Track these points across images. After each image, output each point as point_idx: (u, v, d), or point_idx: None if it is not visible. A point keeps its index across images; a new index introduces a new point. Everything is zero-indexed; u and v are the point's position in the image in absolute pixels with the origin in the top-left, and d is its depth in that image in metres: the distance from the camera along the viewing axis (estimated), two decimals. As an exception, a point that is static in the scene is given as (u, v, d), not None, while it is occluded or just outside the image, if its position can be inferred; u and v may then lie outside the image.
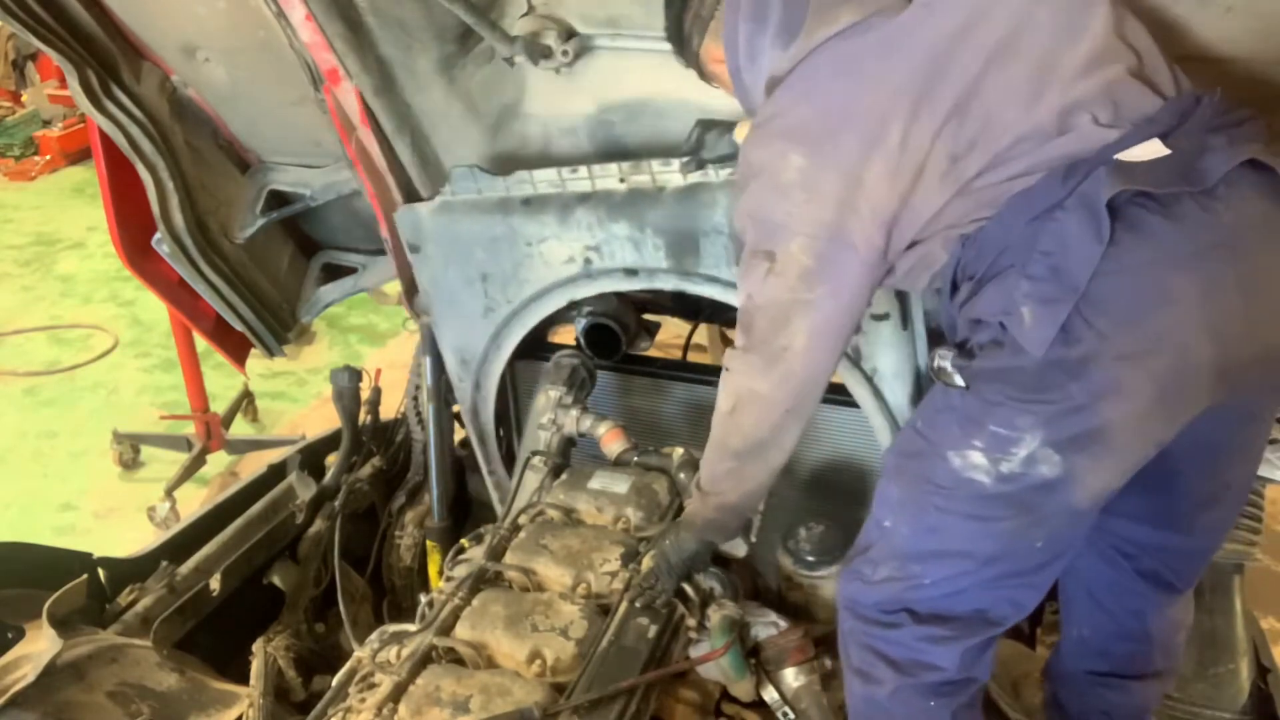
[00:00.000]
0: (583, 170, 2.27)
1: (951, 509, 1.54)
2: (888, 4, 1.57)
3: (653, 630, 1.79)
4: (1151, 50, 1.52)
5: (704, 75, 1.87)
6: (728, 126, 2.07)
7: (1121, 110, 1.45)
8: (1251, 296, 1.40)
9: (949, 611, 1.60)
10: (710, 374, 2.58)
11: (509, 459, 2.81)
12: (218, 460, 4.40)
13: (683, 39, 1.82)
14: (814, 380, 1.67)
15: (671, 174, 2.20)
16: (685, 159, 2.16)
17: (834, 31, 1.57)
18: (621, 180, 2.25)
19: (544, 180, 2.32)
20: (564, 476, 2.31)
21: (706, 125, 2.14)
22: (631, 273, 2.35)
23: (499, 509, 2.78)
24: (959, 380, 1.54)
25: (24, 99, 8.82)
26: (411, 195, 2.44)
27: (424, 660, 1.75)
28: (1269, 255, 1.42)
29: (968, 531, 1.55)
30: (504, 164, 2.41)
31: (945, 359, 1.56)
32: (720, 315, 3.19)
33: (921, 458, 1.59)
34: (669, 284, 2.32)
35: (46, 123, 8.43)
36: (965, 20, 1.51)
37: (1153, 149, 1.40)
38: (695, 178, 2.17)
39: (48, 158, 8.15)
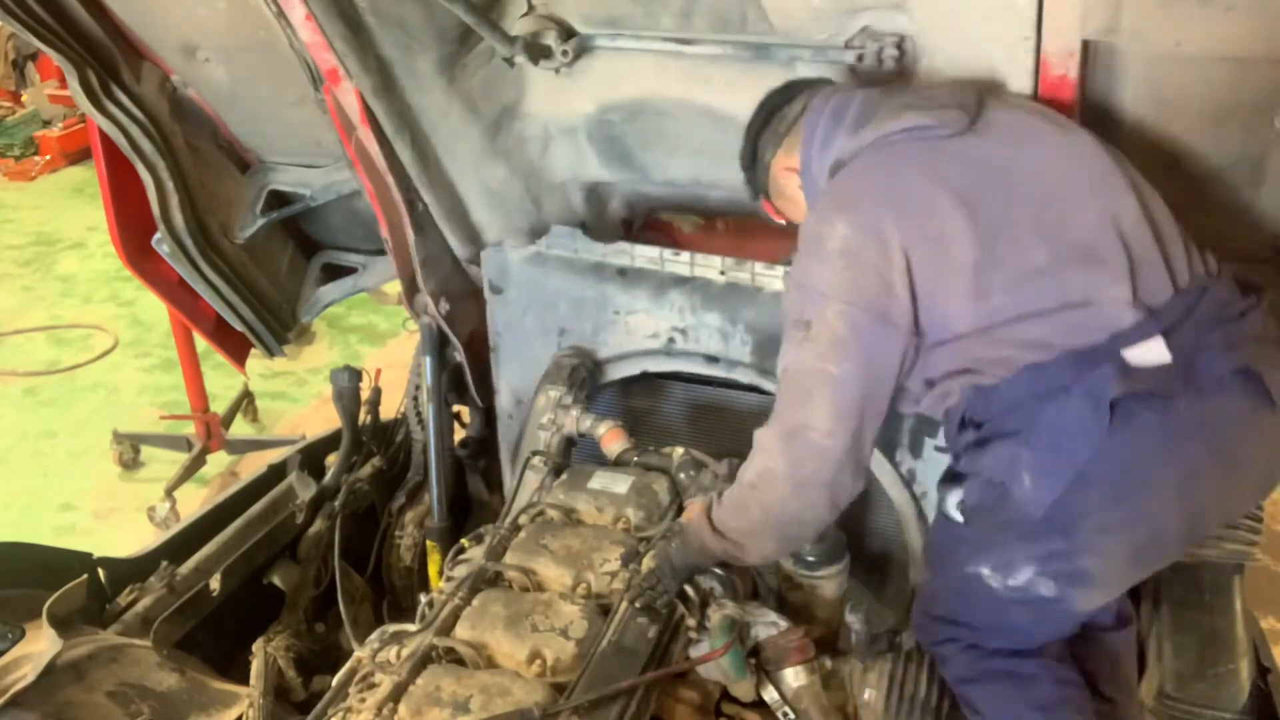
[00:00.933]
0: (685, 255, 2.39)
1: (978, 597, 1.75)
2: (953, 120, 1.68)
3: (653, 630, 1.79)
4: (1173, 232, 1.66)
5: (768, 190, 1.99)
6: None
7: (1139, 293, 1.58)
8: (1226, 484, 1.63)
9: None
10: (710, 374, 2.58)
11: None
12: (218, 460, 4.40)
13: (755, 156, 1.95)
14: (834, 463, 1.67)
15: (773, 278, 2.29)
16: (789, 270, 2.24)
17: (901, 127, 1.69)
18: (722, 273, 2.35)
19: (643, 256, 2.42)
20: (564, 476, 2.31)
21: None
22: (713, 359, 2.42)
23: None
24: (959, 518, 1.74)
25: (24, 99, 8.80)
26: (411, 195, 2.44)
27: (424, 660, 1.75)
28: (1247, 447, 1.61)
29: (995, 610, 1.76)
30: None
31: (949, 502, 1.75)
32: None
33: (947, 561, 1.83)
34: (747, 377, 2.38)
35: (46, 123, 8.42)
36: (1013, 161, 1.65)
37: (1157, 352, 1.55)
38: None
39: (48, 158, 8.14)
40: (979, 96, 1.74)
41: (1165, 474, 1.57)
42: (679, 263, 2.39)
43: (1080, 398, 1.54)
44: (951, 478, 1.79)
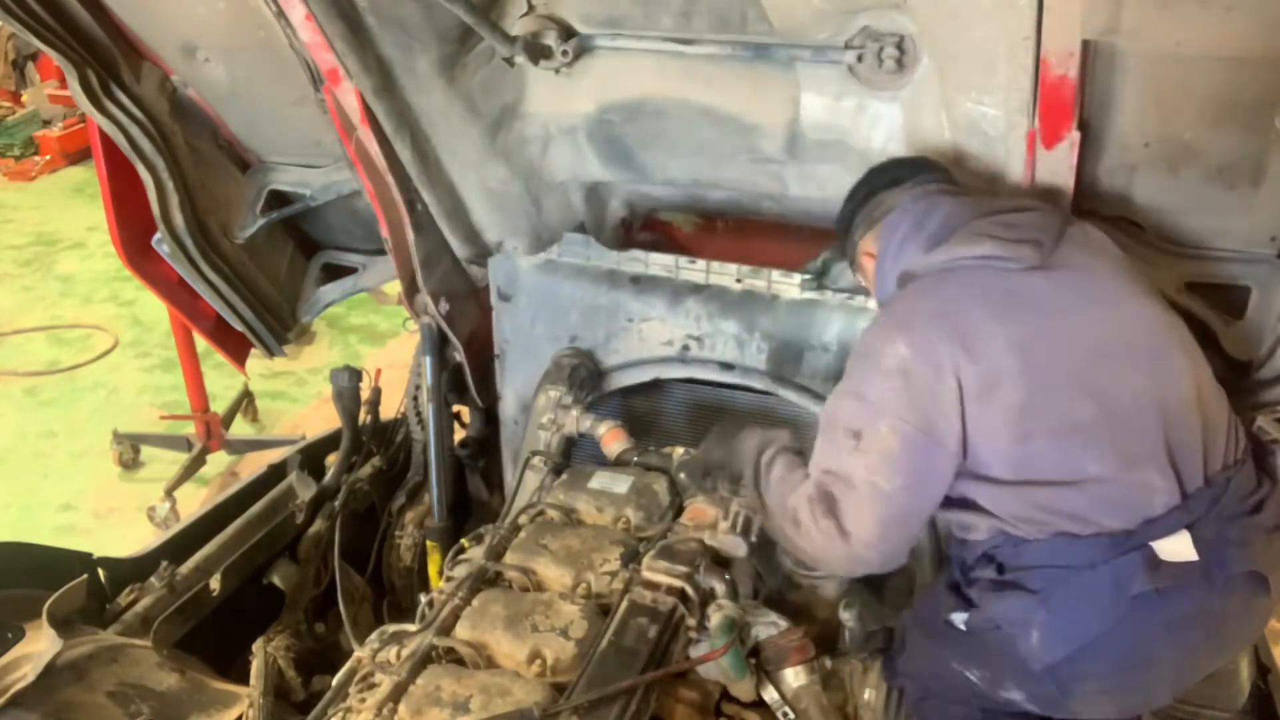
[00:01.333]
0: (700, 263, 2.40)
1: (959, 688, 1.87)
2: (1026, 256, 1.70)
3: (653, 630, 1.79)
4: (1218, 417, 1.72)
5: (852, 260, 2.07)
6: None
7: (1173, 479, 1.64)
8: (1217, 660, 1.79)
9: None
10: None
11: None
12: (218, 460, 4.41)
13: (850, 228, 2.01)
14: (864, 566, 1.76)
15: (789, 285, 2.31)
16: (807, 278, 2.30)
17: (972, 254, 1.72)
18: (738, 280, 2.37)
19: (658, 264, 2.45)
20: (564, 476, 2.31)
21: (835, 257, 2.32)
22: (728, 367, 2.43)
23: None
24: (961, 628, 1.80)
25: (24, 99, 8.81)
26: (411, 195, 2.44)
27: (424, 660, 1.75)
28: (1241, 631, 1.75)
29: (973, 694, 1.87)
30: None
31: (954, 616, 1.81)
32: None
33: (936, 650, 1.89)
34: (761, 384, 2.39)
35: (46, 123, 8.43)
36: (1075, 310, 1.69)
37: (1183, 547, 1.62)
38: (812, 295, 2.29)
39: (48, 158, 8.14)
40: (1061, 228, 1.77)
41: (1166, 655, 1.68)
42: (694, 270, 2.41)
43: (1105, 579, 1.63)
44: (958, 593, 1.84)
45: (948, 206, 1.82)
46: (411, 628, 1.85)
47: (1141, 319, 1.72)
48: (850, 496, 1.68)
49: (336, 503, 2.73)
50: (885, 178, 1.97)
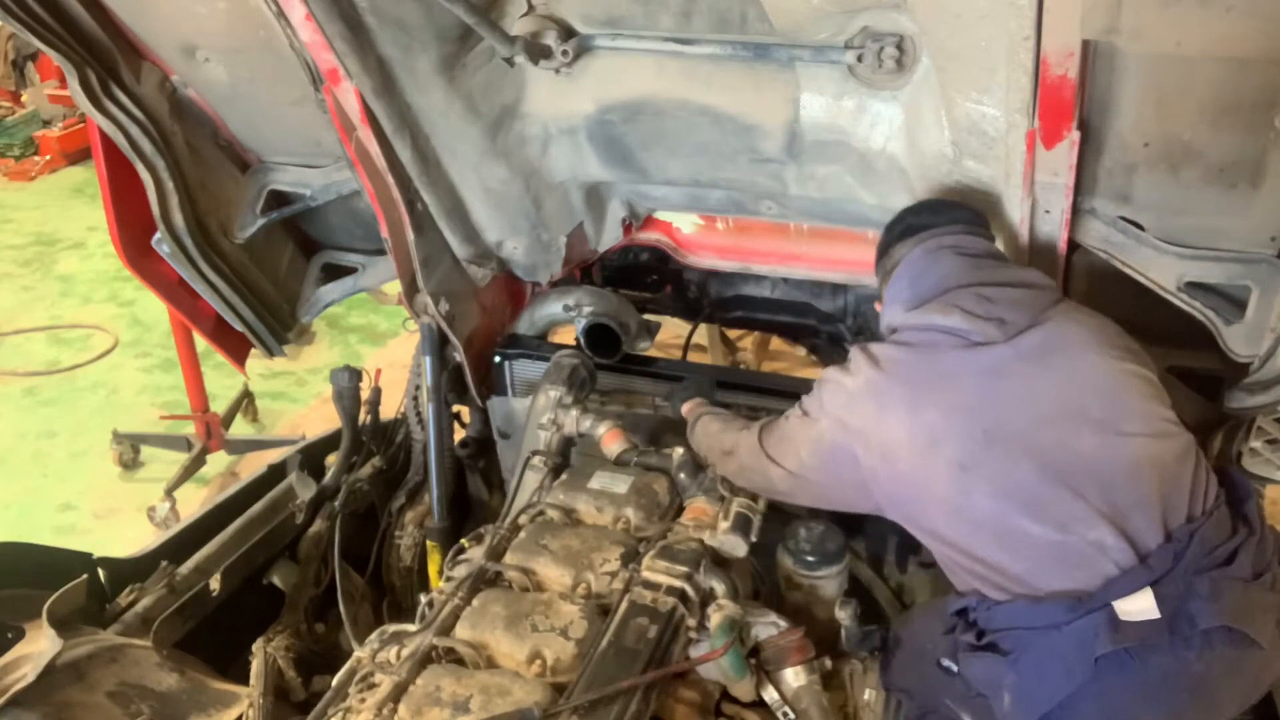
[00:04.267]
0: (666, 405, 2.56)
1: None
2: (990, 333, 1.79)
3: (653, 630, 1.79)
4: (1183, 474, 1.71)
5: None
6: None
7: (1126, 538, 1.64)
8: (1212, 715, 1.69)
9: None
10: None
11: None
12: (218, 460, 4.40)
13: (877, 267, 2.11)
14: (769, 492, 2.08)
15: None
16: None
17: (940, 325, 1.83)
18: None
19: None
20: (564, 476, 2.31)
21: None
22: None
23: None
24: (954, 668, 1.85)
25: (24, 99, 8.80)
26: (411, 195, 2.44)
27: (424, 660, 1.75)
28: (1231, 690, 1.68)
29: None
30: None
31: (950, 665, 1.85)
32: (719, 316, 3.20)
33: (930, 686, 1.95)
34: None
35: (46, 123, 8.42)
36: (1032, 379, 1.75)
37: (1146, 606, 1.61)
38: None
39: (48, 158, 8.13)
40: (1045, 307, 1.83)
41: (1149, 717, 1.65)
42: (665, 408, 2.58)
43: (1069, 641, 1.63)
44: (951, 634, 1.86)
45: (946, 267, 1.91)
46: (411, 628, 1.85)
47: (1102, 384, 1.75)
48: (790, 443, 1.96)
49: (336, 503, 2.72)
50: (900, 227, 2.05)
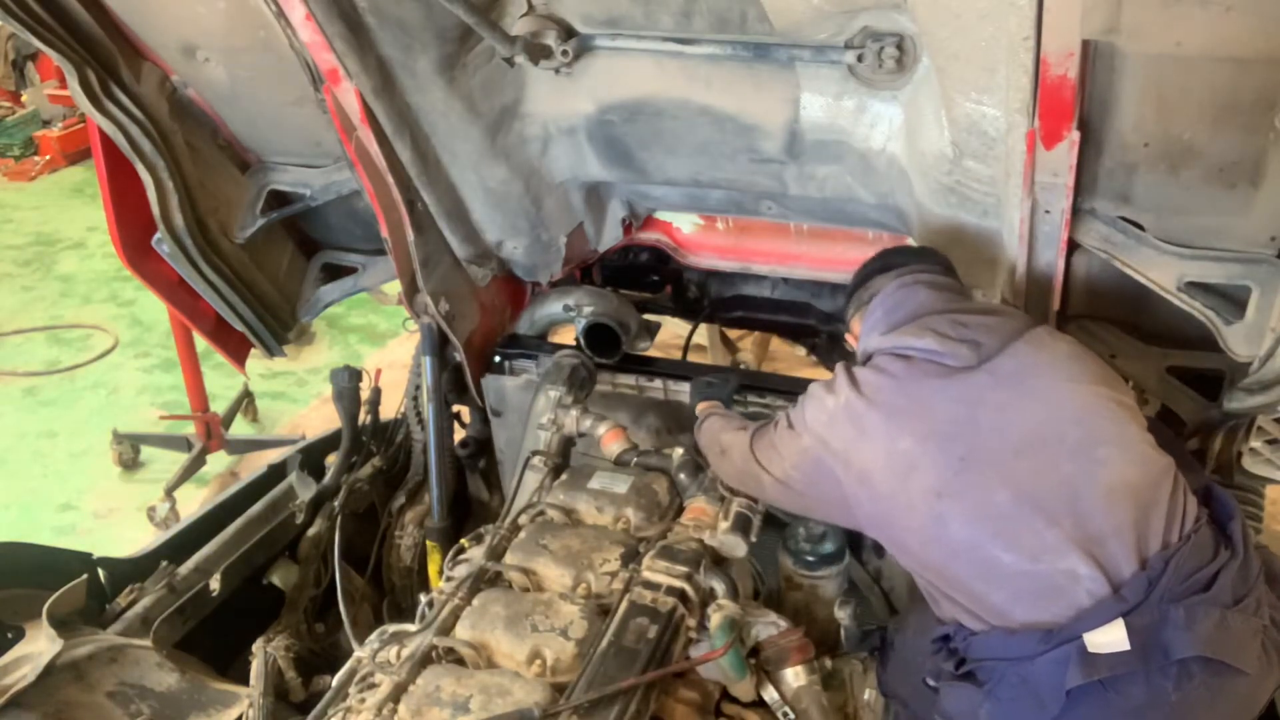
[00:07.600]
0: (658, 381, 2.68)
1: None
2: (963, 356, 1.80)
3: (653, 630, 1.79)
4: (1160, 500, 1.68)
5: (844, 335, 2.20)
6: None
7: (1099, 567, 1.62)
8: None
9: None
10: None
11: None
12: (218, 460, 4.40)
13: (849, 301, 2.13)
14: (769, 502, 2.10)
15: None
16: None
17: (914, 346, 1.84)
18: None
19: (624, 383, 2.71)
20: (564, 476, 2.31)
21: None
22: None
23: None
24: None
25: (24, 99, 8.80)
26: (411, 195, 2.44)
27: (424, 660, 1.75)
28: (1216, 714, 1.63)
29: None
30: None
31: (933, 683, 1.86)
32: (719, 316, 3.20)
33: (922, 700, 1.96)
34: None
35: (46, 123, 8.41)
36: (1006, 406, 1.75)
37: (1116, 637, 1.59)
38: None
39: (48, 158, 8.13)
40: (1019, 331, 1.85)
41: None
42: (654, 388, 2.66)
43: (1041, 673, 1.63)
44: (935, 655, 1.87)
45: (922, 297, 1.94)
46: (411, 628, 1.85)
47: (1078, 411, 1.75)
48: (777, 451, 1.96)
49: (336, 503, 2.73)
50: (879, 263, 2.09)
